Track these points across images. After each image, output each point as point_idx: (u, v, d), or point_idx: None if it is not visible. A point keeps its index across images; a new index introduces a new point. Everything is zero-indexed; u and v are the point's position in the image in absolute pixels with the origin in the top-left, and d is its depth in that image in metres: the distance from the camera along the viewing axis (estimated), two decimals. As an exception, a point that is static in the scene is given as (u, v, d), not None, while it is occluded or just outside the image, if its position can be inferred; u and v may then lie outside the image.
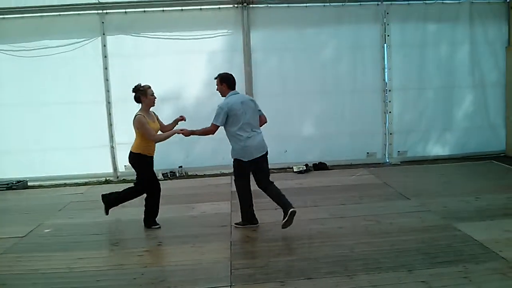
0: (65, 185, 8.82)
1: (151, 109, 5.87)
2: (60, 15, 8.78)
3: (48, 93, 8.93)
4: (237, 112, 5.43)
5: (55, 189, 8.61)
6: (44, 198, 8.02)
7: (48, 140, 8.96)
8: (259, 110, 5.74)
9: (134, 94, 5.74)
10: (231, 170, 5.90)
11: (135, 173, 5.93)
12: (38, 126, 8.97)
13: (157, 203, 5.96)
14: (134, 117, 5.67)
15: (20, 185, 8.76)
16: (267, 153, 5.69)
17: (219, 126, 5.47)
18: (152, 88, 5.78)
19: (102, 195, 6.21)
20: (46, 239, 5.82)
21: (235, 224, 5.89)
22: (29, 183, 8.93)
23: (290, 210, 5.37)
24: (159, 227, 5.95)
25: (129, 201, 6.13)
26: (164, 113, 8.19)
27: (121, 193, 6.10)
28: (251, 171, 5.67)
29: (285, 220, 5.36)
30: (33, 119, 8.94)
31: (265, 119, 5.84)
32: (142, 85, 5.73)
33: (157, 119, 5.95)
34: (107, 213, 6.14)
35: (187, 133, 5.64)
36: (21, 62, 8.80)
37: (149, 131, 5.61)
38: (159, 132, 5.84)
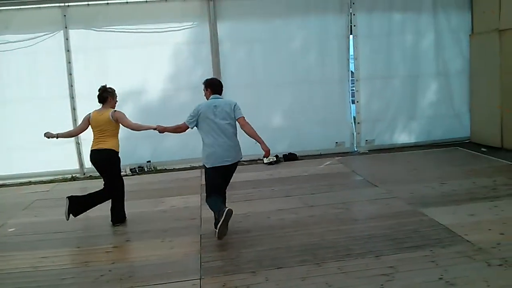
0: (29, 183, 8.59)
1: None
2: (20, 8, 8.50)
3: (10, 89, 8.66)
4: (206, 114, 5.18)
5: (19, 188, 8.38)
6: (8, 197, 7.81)
7: (11, 138, 8.68)
8: (236, 114, 5.30)
9: (101, 93, 5.72)
10: (201, 163, 5.81)
11: (106, 172, 5.82)
12: (0, 123, 8.67)
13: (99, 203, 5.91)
14: (112, 112, 5.66)
15: (-18, 184, 8.47)
16: (234, 164, 5.31)
17: (188, 126, 5.28)
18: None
19: (69, 197, 5.88)
20: (10, 239, 5.69)
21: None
22: (-9, 182, 8.64)
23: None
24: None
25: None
26: (129, 107, 8.06)
27: (88, 197, 5.88)
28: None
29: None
30: (-6, 116, 8.64)
31: (247, 125, 5.32)
32: (108, 86, 5.76)
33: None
34: (68, 217, 5.73)
35: (161, 130, 5.55)
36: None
37: (129, 121, 5.67)
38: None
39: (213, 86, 5.43)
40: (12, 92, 8.65)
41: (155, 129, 5.61)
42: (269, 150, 5.38)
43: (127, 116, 5.83)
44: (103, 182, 5.89)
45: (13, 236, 5.76)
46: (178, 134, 5.58)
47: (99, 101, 5.79)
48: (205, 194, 5.28)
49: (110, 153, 5.70)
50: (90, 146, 5.85)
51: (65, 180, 8.72)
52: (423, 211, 5.56)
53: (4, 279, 4.49)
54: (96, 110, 5.81)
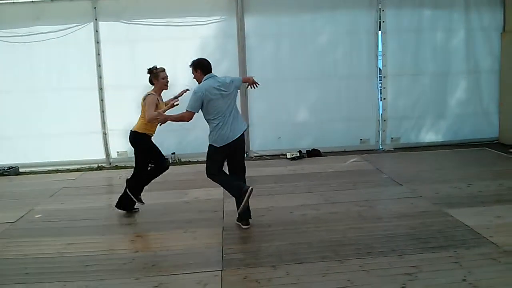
0: (57, 171, 8.77)
1: None
2: (52, 0, 8.66)
3: (40, 79, 8.84)
4: (211, 96, 5.06)
5: (46, 175, 8.57)
6: (36, 184, 7.97)
7: (40, 126, 8.88)
8: (236, 84, 5.32)
9: (148, 76, 5.71)
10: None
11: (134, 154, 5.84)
12: (30, 112, 8.88)
13: (150, 178, 5.91)
14: (147, 95, 5.59)
15: (12, 171, 8.70)
16: (243, 139, 5.30)
17: (194, 112, 5.12)
18: (165, 72, 5.72)
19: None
20: (36, 225, 5.82)
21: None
22: (20, 169, 8.87)
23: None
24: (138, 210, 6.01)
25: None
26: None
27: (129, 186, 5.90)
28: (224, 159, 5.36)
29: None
30: (25, 105, 8.85)
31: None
32: (157, 67, 5.67)
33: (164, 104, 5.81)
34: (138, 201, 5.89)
35: (163, 119, 5.30)
36: (14, 48, 8.69)
37: (148, 110, 5.44)
38: None
39: (203, 66, 5.23)
40: (43, 82, 8.83)
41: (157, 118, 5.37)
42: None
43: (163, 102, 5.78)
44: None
45: (39, 222, 5.90)
46: (203, 126, 5.39)
47: (150, 83, 5.77)
48: (210, 172, 5.31)
49: (133, 134, 5.69)
50: None
51: (91, 169, 8.87)
52: (448, 212, 5.47)
53: (30, 263, 4.60)
54: None
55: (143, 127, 5.64)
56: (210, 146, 5.26)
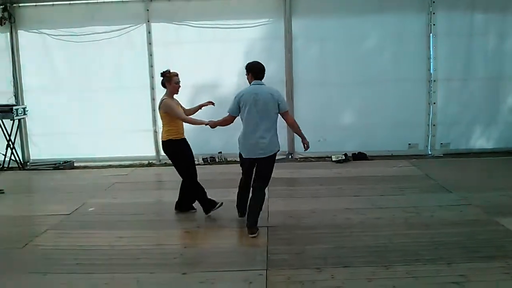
0: (110, 166, 9.14)
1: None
2: (106, 1, 9.07)
3: (95, 78, 9.25)
4: (246, 103, 5.13)
5: (100, 170, 8.93)
6: (89, 178, 8.32)
7: (95, 123, 9.30)
8: (281, 107, 5.21)
9: (161, 78, 5.80)
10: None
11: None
12: (85, 109, 9.32)
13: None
14: (161, 102, 5.69)
15: (67, 165, 9.14)
16: (268, 157, 5.25)
17: (234, 116, 5.28)
18: (178, 76, 5.77)
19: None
20: (89, 217, 6.07)
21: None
22: (75, 164, 9.30)
23: (248, 226, 5.19)
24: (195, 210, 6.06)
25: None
26: (202, 100, 8.32)
27: (184, 195, 6.03)
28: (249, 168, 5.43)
29: None
30: (80, 103, 9.29)
31: (291, 119, 5.42)
32: (170, 71, 5.74)
33: (180, 105, 5.92)
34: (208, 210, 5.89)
35: (213, 125, 5.48)
36: (69, 47, 9.15)
37: (176, 111, 5.60)
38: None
39: (255, 70, 5.25)
40: (97, 81, 9.23)
41: (207, 124, 5.52)
42: (309, 143, 5.33)
43: (179, 103, 5.83)
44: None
45: (92, 215, 6.16)
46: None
47: (162, 86, 5.85)
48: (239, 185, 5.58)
49: (164, 144, 5.79)
50: None
51: (142, 165, 9.19)
52: (499, 221, 5.30)
53: (81, 254, 4.80)
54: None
55: (166, 134, 5.71)
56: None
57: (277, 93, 5.27)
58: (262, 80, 5.31)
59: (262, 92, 5.17)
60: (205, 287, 4.05)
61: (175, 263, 4.55)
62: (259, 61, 5.38)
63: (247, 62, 5.41)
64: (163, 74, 5.74)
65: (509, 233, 4.97)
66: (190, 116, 5.87)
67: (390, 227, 5.31)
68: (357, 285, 3.99)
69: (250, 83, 5.33)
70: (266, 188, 5.48)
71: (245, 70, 5.37)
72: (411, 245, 4.77)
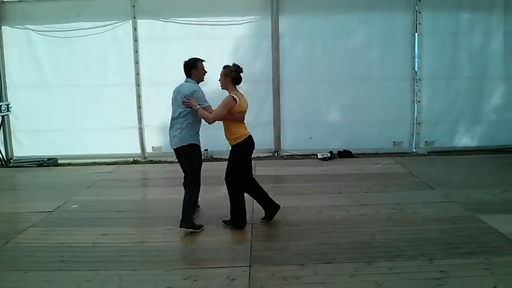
0: (94, 163, 9.06)
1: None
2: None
3: (80, 74, 9.16)
4: (172, 97, 5.54)
5: (84, 167, 8.85)
6: (73, 175, 8.27)
7: (79, 120, 9.21)
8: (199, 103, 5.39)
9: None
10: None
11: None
12: (69, 106, 9.21)
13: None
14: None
15: (51, 162, 9.05)
16: (178, 150, 5.44)
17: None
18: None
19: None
20: (73, 215, 6.03)
21: None
22: (59, 161, 9.20)
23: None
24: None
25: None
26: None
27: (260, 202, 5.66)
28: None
29: None
30: (65, 100, 9.18)
31: (206, 115, 5.45)
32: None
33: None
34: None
35: (195, 105, 5.40)
36: (54, 43, 9.05)
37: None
38: None
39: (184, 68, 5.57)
40: (82, 77, 9.13)
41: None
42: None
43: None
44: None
45: (76, 213, 6.11)
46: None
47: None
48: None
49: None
50: (246, 132, 5.71)
51: (127, 163, 9.12)
52: (481, 218, 5.37)
53: (65, 252, 4.78)
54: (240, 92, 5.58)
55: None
56: None
57: (192, 90, 5.48)
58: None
59: (177, 89, 5.58)
60: (187, 284, 4.04)
61: (158, 260, 4.54)
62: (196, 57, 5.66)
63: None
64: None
65: (491, 229, 5.03)
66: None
67: (373, 224, 5.35)
68: (339, 280, 4.02)
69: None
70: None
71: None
72: (393, 241, 4.81)
